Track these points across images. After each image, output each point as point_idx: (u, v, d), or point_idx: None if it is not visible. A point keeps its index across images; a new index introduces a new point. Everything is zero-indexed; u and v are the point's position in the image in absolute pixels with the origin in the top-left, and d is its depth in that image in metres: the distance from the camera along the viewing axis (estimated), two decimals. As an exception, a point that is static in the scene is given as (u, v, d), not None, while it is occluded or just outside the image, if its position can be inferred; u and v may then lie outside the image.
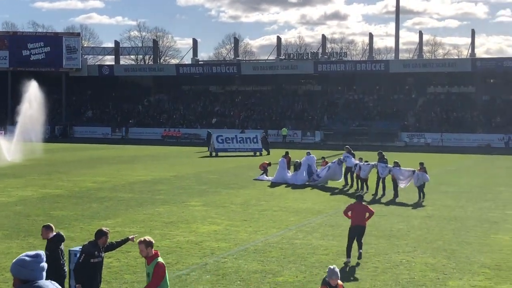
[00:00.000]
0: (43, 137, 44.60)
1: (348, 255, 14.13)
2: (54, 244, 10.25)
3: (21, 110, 41.73)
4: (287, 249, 15.28)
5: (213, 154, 46.38)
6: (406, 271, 13.41)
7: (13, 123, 41.30)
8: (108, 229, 10.04)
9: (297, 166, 29.67)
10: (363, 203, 15.40)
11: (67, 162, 38.97)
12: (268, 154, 46.13)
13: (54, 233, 10.49)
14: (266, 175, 30.87)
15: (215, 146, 46.90)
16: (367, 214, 14.64)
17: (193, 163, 40.01)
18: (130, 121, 75.18)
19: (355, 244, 14.32)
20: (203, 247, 15.34)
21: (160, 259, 8.95)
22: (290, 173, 29.80)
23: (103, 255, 9.83)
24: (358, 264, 13.98)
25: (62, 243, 10.50)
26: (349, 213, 14.71)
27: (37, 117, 41.24)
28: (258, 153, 47.08)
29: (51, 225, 10.66)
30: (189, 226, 18.05)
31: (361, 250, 14.42)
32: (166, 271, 8.99)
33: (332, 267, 9.01)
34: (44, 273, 4.80)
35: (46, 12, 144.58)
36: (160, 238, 16.35)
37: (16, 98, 42.49)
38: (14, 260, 4.81)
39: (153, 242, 9.07)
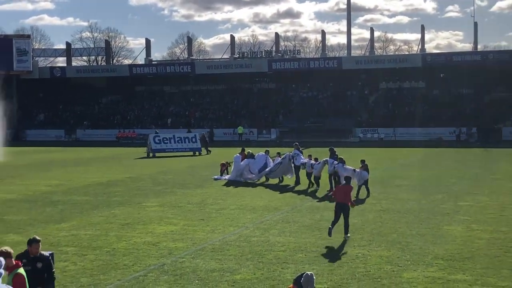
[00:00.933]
0: (4, 142, 43.48)
1: (332, 225, 16.08)
2: None
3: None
4: (245, 246, 15.33)
5: (150, 155, 45.54)
6: (362, 264, 13.61)
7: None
8: (36, 237, 9.70)
9: (250, 156, 29.90)
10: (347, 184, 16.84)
11: (19, 166, 38.29)
12: (209, 153, 46.15)
13: None
14: (227, 174, 30.85)
15: (152, 146, 46.00)
16: (350, 195, 16.51)
17: (148, 164, 39.73)
18: (85, 122, 74.19)
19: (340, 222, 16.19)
20: (160, 248, 15.28)
21: (20, 270, 8.63)
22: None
23: (39, 265, 9.46)
24: (315, 257, 14.12)
25: None
26: (336, 193, 16.76)
27: None
28: (197, 153, 46.71)
29: None
30: (146, 227, 17.95)
31: (347, 235, 15.99)
32: (27, 283, 8.66)
33: (309, 274, 8.58)
34: (1, 279, 4.86)
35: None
36: (117, 240, 16.24)
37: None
38: None
39: (11, 252, 8.75)
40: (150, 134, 48.77)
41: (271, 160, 29.86)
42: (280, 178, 28.94)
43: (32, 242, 9.63)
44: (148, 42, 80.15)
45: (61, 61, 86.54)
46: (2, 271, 4.94)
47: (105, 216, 19.88)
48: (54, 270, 9.91)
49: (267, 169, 29.07)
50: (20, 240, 16.22)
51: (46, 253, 9.90)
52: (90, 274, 13.00)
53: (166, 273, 13.05)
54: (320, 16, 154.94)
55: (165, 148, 46.49)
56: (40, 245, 9.65)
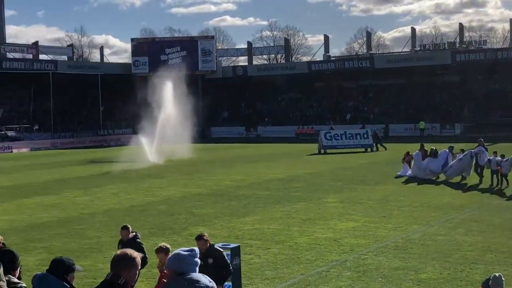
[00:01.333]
0: (192, 139, 45.96)
1: None
2: (131, 244, 10.39)
3: (162, 113, 43.39)
4: (429, 245, 14.78)
5: (322, 151, 45.42)
6: (561, 268, 12.54)
7: (156, 126, 42.97)
8: (200, 234, 9.92)
9: (433, 153, 28.83)
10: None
11: (206, 162, 40.17)
12: (379, 149, 45.39)
13: (133, 233, 10.74)
14: (409, 168, 29.97)
15: (323, 143, 46.01)
16: None
17: (325, 160, 39.81)
18: (266, 119, 76.24)
19: None
20: (342, 244, 15.20)
21: None
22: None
23: (210, 260, 9.59)
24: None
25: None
26: None
27: (180, 119, 42.79)
28: (369, 149, 45.95)
29: (129, 225, 10.93)
30: (327, 223, 17.96)
31: None
32: None
33: (497, 275, 8.02)
34: (197, 268, 5.13)
35: (182, 17, 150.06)
36: (299, 235, 16.41)
37: (156, 102, 44.22)
38: (170, 255, 5.26)
39: (169, 248, 9.23)
40: (321, 130, 49.12)
41: (452, 156, 28.61)
42: (461, 176, 27.65)
43: (196, 238, 9.91)
44: (326, 38, 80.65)
45: (242, 60, 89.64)
46: (198, 260, 5.18)
47: (287, 211, 20.19)
48: (229, 265, 9.90)
49: (447, 166, 27.88)
50: (209, 233, 16.94)
51: (220, 249, 10.05)
52: (274, 268, 13.23)
53: (349, 269, 12.94)
54: (508, 4, 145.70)
55: (336, 144, 46.57)
56: (207, 242, 9.72)
